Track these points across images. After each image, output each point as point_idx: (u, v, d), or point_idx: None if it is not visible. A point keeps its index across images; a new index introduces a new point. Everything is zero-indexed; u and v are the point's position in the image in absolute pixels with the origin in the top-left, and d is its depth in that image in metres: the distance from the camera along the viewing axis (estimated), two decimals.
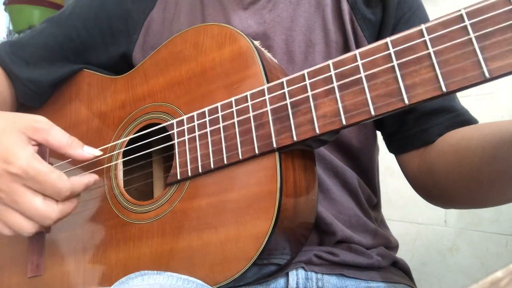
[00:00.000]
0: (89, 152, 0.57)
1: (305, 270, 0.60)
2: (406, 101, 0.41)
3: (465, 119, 0.63)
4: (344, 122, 0.44)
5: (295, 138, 0.47)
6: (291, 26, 0.67)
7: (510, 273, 0.24)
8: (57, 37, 0.74)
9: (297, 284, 0.59)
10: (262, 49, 0.56)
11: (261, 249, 0.47)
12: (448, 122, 0.62)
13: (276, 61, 0.58)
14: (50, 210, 0.53)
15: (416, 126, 0.64)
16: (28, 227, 0.54)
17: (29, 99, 0.75)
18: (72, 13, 0.76)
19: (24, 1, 1.85)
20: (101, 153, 0.59)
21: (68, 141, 0.55)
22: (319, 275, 0.61)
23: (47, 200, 0.53)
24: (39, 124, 0.54)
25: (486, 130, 0.54)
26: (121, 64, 0.74)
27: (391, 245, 0.72)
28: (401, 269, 0.70)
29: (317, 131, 0.46)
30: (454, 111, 0.63)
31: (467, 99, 1.37)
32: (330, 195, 0.64)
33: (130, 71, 0.67)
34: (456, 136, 0.60)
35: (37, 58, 0.74)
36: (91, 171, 0.64)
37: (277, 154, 0.49)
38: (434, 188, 0.64)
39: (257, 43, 0.56)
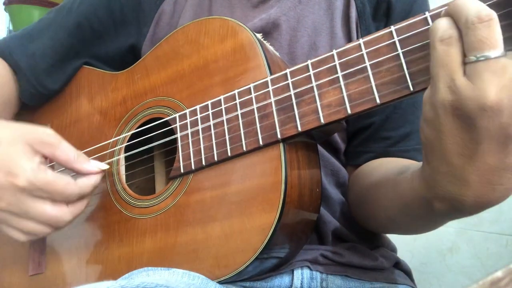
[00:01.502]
0: (95, 166, 0.57)
1: (311, 270, 0.60)
2: (411, 88, 0.41)
3: (399, 155, 0.65)
4: (349, 111, 0.44)
5: (299, 129, 0.47)
6: (297, 26, 0.66)
7: (510, 273, 0.24)
8: (68, 27, 0.74)
9: (301, 283, 0.59)
10: (264, 41, 0.56)
11: (266, 240, 0.47)
12: (382, 152, 0.66)
13: (278, 54, 0.58)
14: (61, 213, 0.54)
15: (361, 146, 0.68)
16: (42, 231, 0.55)
17: (34, 100, 0.74)
18: (84, 2, 0.75)
19: (24, 1, 1.84)
20: (107, 166, 0.59)
21: (74, 157, 0.56)
22: (324, 275, 0.60)
23: (57, 204, 0.54)
24: (48, 138, 0.55)
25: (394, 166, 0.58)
26: (128, 56, 0.74)
27: (391, 247, 0.72)
28: (403, 270, 0.70)
29: (322, 120, 0.46)
30: (393, 140, 0.66)
31: None
32: (327, 194, 0.65)
33: (131, 66, 0.67)
34: (375, 163, 0.65)
35: (49, 58, 0.73)
36: None
37: (281, 145, 0.48)
38: (351, 205, 0.67)
39: (259, 35, 0.56)
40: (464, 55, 0.36)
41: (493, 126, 0.35)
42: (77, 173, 0.56)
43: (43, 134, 0.55)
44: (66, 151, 0.55)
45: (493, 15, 0.34)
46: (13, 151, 0.52)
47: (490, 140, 0.35)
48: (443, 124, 0.37)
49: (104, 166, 0.58)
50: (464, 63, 0.36)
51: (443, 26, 0.37)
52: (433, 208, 0.44)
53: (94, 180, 0.56)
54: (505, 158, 0.36)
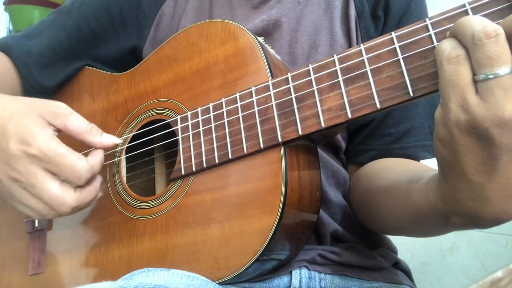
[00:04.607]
0: (109, 139, 0.56)
1: (309, 270, 0.60)
2: (412, 94, 0.41)
3: (400, 152, 0.65)
4: (349, 116, 0.44)
5: (300, 132, 0.47)
6: (297, 27, 0.67)
7: (510, 273, 0.24)
8: (67, 28, 0.74)
9: (300, 283, 0.59)
10: (266, 45, 0.56)
11: (266, 243, 0.47)
12: (383, 149, 0.65)
13: (279, 57, 0.58)
14: (67, 196, 0.52)
15: (362, 144, 0.68)
16: (45, 213, 0.53)
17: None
18: (83, 4, 0.75)
19: (24, 1, 1.85)
20: (120, 140, 0.58)
21: (87, 128, 0.54)
22: (322, 275, 0.61)
23: (65, 186, 0.52)
24: (59, 110, 0.54)
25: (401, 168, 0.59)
26: (129, 58, 0.74)
27: (392, 248, 0.72)
28: (402, 270, 0.71)
29: (323, 124, 0.46)
30: (393, 137, 0.65)
31: None
32: (327, 196, 0.65)
33: (133, 68, 0.67)
34: (379, 165, 0.65)
35: (45, 56, 0.73)
36: None
37: (282, 148, 0.49)
38: (353, 205, 0.67)
39: (261, 39, 0.56)
40: (473, 73, 0.35)
41: None
42: (89, 145, 0.55)
43: (54, 107, 0.54)
44: (77, 122, 0.54)
45: (500, 30, 0.33)
46: (27, 122, 0.51)
47: (509, 155, 0.35)
48: (459, 144, 0.37)
49: (117, 140, 0.57)
50: (474, 81, 0.35)
51: (449, 45, 0.36)
52: (450, 221, 0.43)
53: (99, 156, 0.54)
54: None
